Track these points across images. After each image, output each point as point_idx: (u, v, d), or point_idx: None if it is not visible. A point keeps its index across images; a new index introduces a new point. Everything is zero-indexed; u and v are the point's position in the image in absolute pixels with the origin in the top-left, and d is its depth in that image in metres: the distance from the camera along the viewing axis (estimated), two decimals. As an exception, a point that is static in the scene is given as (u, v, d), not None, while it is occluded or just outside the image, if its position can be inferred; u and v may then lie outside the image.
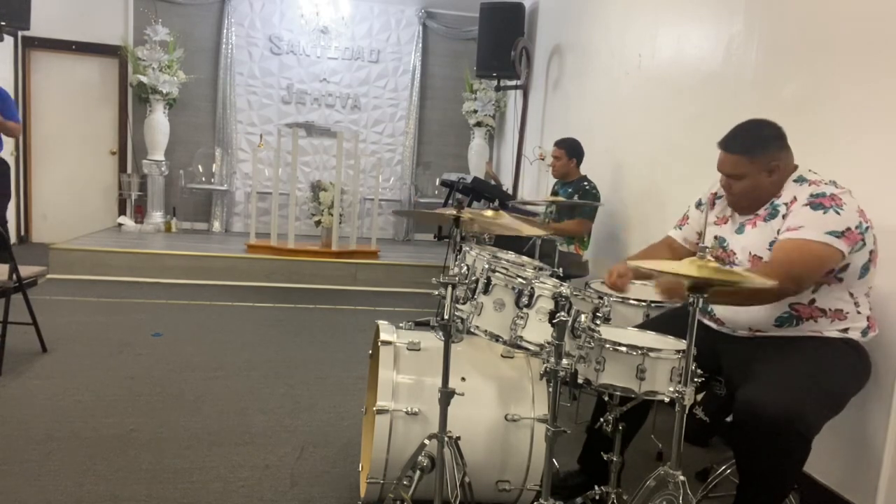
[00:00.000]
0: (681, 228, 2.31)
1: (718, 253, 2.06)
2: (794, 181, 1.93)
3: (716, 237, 2.08)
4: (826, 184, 1.87)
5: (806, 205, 1.83)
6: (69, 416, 2.65)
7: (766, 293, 1.77)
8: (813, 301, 1.87)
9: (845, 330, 1.87)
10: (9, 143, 5.12)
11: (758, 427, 1.65)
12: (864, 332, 1.89)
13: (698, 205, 2.25)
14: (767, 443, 1.65)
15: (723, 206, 2.12)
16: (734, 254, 2.00)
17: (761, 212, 1.97)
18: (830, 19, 2.44)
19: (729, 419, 2.23)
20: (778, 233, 1.88)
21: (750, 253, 1.94)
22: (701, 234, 2.18)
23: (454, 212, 1.87)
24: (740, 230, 2.01)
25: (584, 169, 4.26)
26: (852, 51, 2.32)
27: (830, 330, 1.87)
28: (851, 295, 1.88)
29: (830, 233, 1.77)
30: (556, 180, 4.36)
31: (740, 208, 2.04)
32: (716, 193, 2.17)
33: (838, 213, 1.79)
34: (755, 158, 1.91)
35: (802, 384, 1.70)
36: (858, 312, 1.89)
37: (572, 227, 3.98)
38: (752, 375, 1.78)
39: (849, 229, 1.78)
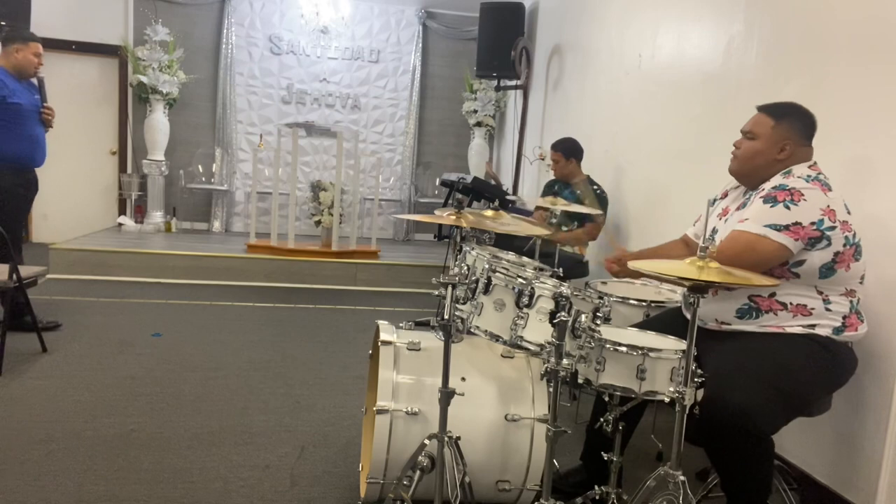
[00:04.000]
0: (694, 225, 2.36)
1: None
2: (782, 175, 1.93)
3: (714, 229, 2.08)
4: (801, 178, 1.87)
5: (761, 196, 1.87)
6: (69, 416, 2.66)
7: None
8: (773, 294, 1.87)
9: (811, 326, 1.86)
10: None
11: (712, 425, 1.68)
12: (838, 331, 1.86)
13: (712, 203, 2.24)
14: (725, 442, 1.69)
15: (731, 197, 2.13)
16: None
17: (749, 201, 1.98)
18: (830, 19, 2.44)
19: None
20: None
21: (720, 240, 1.95)
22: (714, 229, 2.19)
23: (453, 216, 1.88)
24: (727, 220, 2.02)
25: (586, 169, 4.24)
26: (852, 51, 2.32)
27: (793, 325, 1.86)
28: (820, 292, 1.86)
29: (770, 225, 1.80)
30: (553, 179, 4.34)
31: (738, 175, 2.06)
32: (727, 188, 2.19)
33: (788, 207, 1.80)
34: (780, 126, 1.95)
35: (755, 383, 1.70)
36: (828, 310, 1.86)
37: (581, 234, 3.90)
38: (711, 375, 1.77)
39: (797, 224, 1.79)
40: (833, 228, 1.81)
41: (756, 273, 1.72)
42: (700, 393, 2.18)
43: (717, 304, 1.94)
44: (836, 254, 1.83)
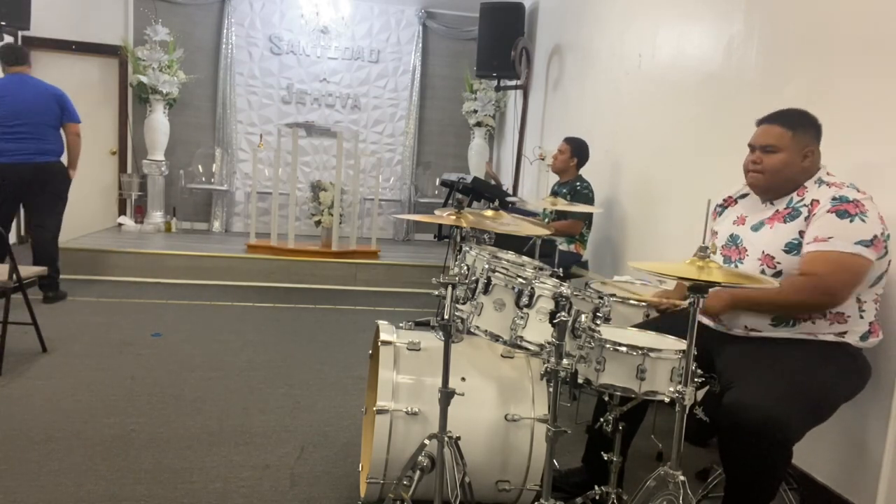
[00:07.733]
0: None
1: (729, 251, 2.05)
2: (815, 182, 1.92)
3: (731, 235, 2.06)
4: (847, 187, 1.85)
5: (830, 211, 1.80)
6: (69, 416, 2.65)
7: (796, 306, 1.81)
8: None
9: (842, 334, 1.85)
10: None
11: (738, 432, 1.65)
12: (864, 337, 1.87)
13: (719, 212, 2.22)
14: (747, 448, 1.66)
15: (745, 205, 2.11)
16: (745, 251, 1.98)
17: (781, 209, 1.95)
18: (830, 19, 2.44)
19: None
20: (800, 234, 1.86)
21: (763, 252, 1.92)
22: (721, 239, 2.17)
23: (453, 216, 1.87)
24: (756, 228, 1.99)
25: (586, 168, 4.27)
26: (852, 50, 2.32)
27: (826, 333, 1.85)
28: (858, 300, 1.85)
29: (860, 242, 1.76)
30: (555, 181, 4.37)
31: (761, 189, 2.01)
32: (734, 195, 2.17)
33: (864, 220, 1.77)
34: (798, 135, 1.92)
35: (787, 391, 1.68)
36: (861, 317, 1.86)
37: (564, 226, 4.04)
38: (740, 379, 1.77)
39: (876, 237, 1.78)
40: (888, 236, 1.81)
41: (848, 293, 1.76)
42: (700, 393, 2.17)
43: (752, 313, 1.91)
44: (889, 262, 1.83)
